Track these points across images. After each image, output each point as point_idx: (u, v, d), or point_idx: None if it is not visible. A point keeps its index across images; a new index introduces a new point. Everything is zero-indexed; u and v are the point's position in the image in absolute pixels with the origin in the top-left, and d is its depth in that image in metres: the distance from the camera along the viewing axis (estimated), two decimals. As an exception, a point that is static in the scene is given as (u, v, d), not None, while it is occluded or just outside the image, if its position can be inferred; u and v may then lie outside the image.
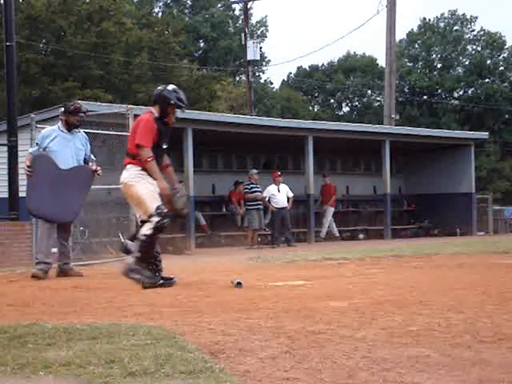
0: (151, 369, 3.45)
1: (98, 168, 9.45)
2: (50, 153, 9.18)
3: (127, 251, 7.29)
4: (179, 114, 7.63)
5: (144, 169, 7.34)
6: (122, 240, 7.28)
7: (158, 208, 7.22)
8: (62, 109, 9.47)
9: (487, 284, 7.22)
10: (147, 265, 7.21)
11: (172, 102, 7.49)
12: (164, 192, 7.34)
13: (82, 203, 9.57)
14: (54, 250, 9.51)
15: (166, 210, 7.27)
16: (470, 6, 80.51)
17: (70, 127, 9.29)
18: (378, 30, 65.03)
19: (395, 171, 25.61)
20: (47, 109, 16.27)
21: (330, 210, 21.82)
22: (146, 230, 7.19)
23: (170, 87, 7.66)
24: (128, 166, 7.44)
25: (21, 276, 9.02)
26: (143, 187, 7.28)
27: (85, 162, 9.39)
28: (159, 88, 7.74)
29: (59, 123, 9.40)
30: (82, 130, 9.54)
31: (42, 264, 8.93)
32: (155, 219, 7.18)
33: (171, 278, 7.53)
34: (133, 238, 7.31)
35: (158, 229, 7.20)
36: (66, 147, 9.20)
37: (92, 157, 9.55)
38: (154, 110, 7.53)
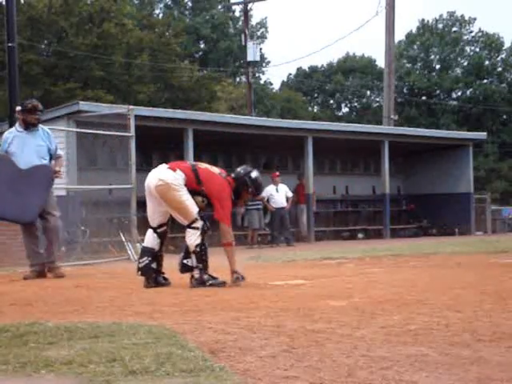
0: (152, 367, 3.46)
1: (61, 171, 9.27)
2: (10, 155, 8.93)
3: (188, 269, 7.33)
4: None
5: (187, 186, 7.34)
6: (184, 261, 7.32)
7: (199, 212, 7.34)
8: (19, 107, 9.16)
9: (486, 283, 7.23)
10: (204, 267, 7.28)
11: (249, 190, 7.62)
12: (238, 281, 7.36)
13: (41, 203, 9.08)
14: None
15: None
16: (469, 8, 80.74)
17: (27, 126, 9.00)
18: (377, 31, 65.05)
19: (394, 171, 25.63)
20: (49, 109, 16.22)
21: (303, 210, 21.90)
22: (195, 239, 7.25)
23: (254, 175, 7.65)
24: (178, 171, 7.34)
25: (22, 275, 9.03)
26: (185, 193, 7.31)
27: (51, 158, 9.14)
28: (244, 171, 7.66)
29: (17, 123, 9.16)
30: (43, 127, 9.23)
31: (33, 266, 8.96)
32: (199, 224, 7.28)
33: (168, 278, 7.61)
34: (187, 255, 7.34)
35: (204, 232, 7.32)
36: (25, 146, 8.93)
37: (58, 152, 9.29)
38: (232, 182, 7.52)
